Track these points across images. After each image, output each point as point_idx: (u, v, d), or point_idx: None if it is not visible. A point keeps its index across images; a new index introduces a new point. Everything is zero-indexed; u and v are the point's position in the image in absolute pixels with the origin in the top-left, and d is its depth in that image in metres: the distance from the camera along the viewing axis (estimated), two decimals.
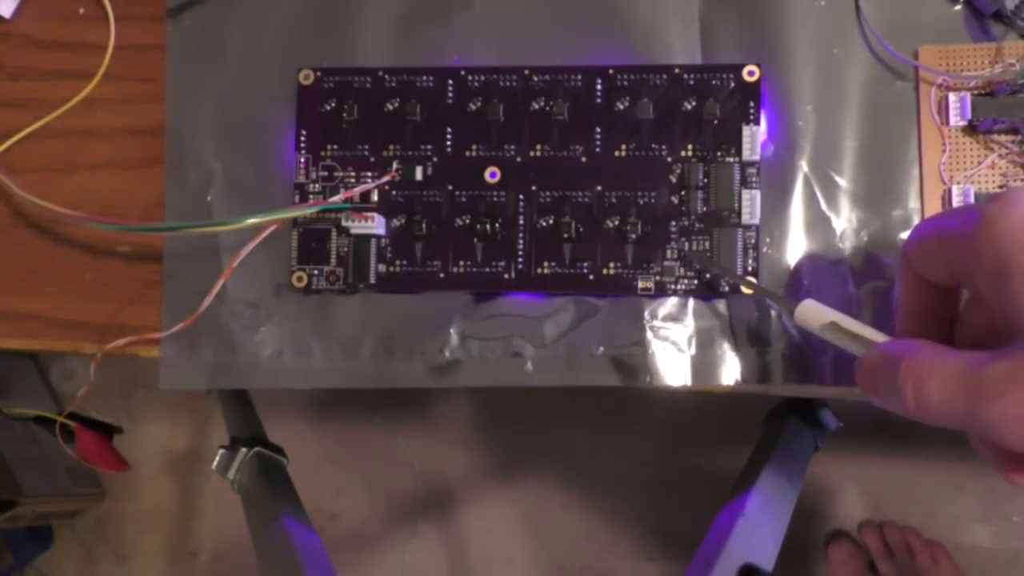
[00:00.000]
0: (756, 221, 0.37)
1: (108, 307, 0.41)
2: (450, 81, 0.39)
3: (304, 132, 0.40)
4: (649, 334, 0.38)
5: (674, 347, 0.38)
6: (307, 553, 0.44)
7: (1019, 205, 0.23)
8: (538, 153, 0.38)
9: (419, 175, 0.39)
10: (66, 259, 0.41)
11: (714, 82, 0.37)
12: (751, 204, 0.37)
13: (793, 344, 0.37)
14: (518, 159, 0.38)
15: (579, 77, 0.38)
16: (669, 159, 0.38)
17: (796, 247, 0.37)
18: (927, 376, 0.24)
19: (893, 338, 0.28)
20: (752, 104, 0.37)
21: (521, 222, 0.38)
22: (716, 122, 0.37)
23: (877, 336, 0.28)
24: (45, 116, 0.42)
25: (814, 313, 0.30)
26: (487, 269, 0.38)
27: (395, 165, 0.39)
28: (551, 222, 0.38)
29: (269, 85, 0.40)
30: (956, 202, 0.36)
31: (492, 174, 0.39)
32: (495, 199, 0.38)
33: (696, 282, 0.37)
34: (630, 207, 0.38)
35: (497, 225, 0.38)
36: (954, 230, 0.25)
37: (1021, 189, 0.24)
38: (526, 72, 0.39)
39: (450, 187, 0.39)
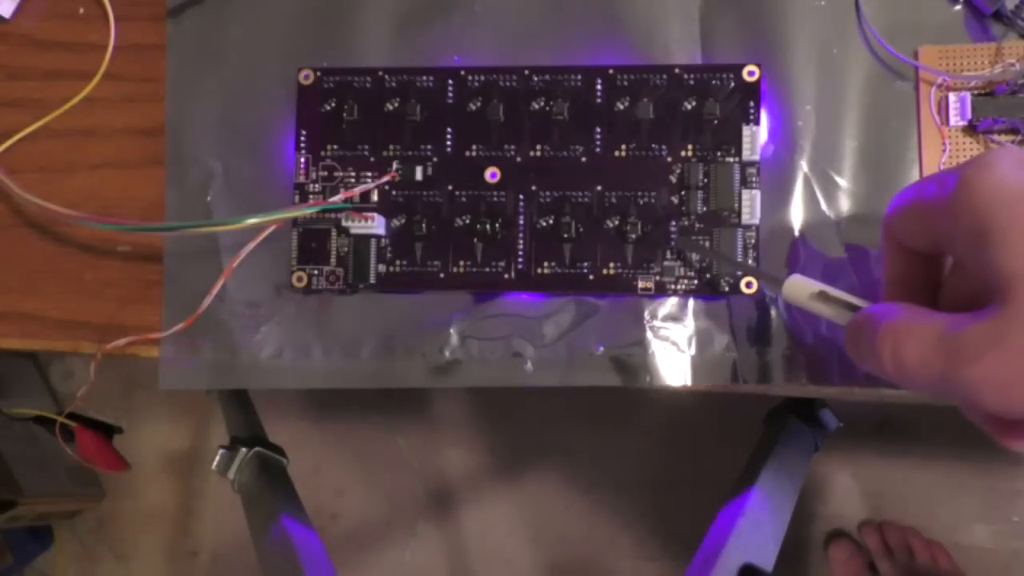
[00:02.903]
0: (756, 221, 0.37)
1: (108, 307, 0.41)
2: (450, 81, 0.39)
3: (304, 132, 0.40)
4: (649, 334, 0.38)
5: (674, 347, 0.38)
6: (307, 553, 0.44)
7: (995, 166, 0.23)
8: (538, 153, 0.38)
9: (419, 175, 0.39)
10: (66, 259, 0.41)
11: (714, 82, 0.37)
12: (751, 204, 0.37)
13: (793, 344, 0.37)
14: (518, 159, 0.38)
15: (579, 77, 0.38)
16: (669, 159, 0.38)
17: (796, 247, 0.37)
18: (904, 338, 0.24)
19: (873, 304, 0.28)
20: (752, 104, 0.37)
21: (521, 222, 0.38)
22: (716, 122, 0.37)
23: (864, 303, 0.28)
24: (45, 116, 0.42)
25: (802, 286, 0.30)
26: (487, 269, 0.38)
27: (395, 165, 0.39)
28: (551, 222, 0.38)
29: (269, 85, 0.40)
30: None
31: (492, 174, 0.39)
32: (495, 199, 0.38)
33: (696, 282, 0.37)
34: (630, 207, 0.38)
35: (497, 225, 0.38)
36: (932, 195, 0.25)
37: (996, 151, 0.24)
38: (526, 72, 0.39)
39: (450, 187, 0.39)
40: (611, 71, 0.38)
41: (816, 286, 0.30)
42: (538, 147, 0.38)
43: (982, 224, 0.23)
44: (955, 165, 0.36)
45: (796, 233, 0.37)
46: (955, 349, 0.22)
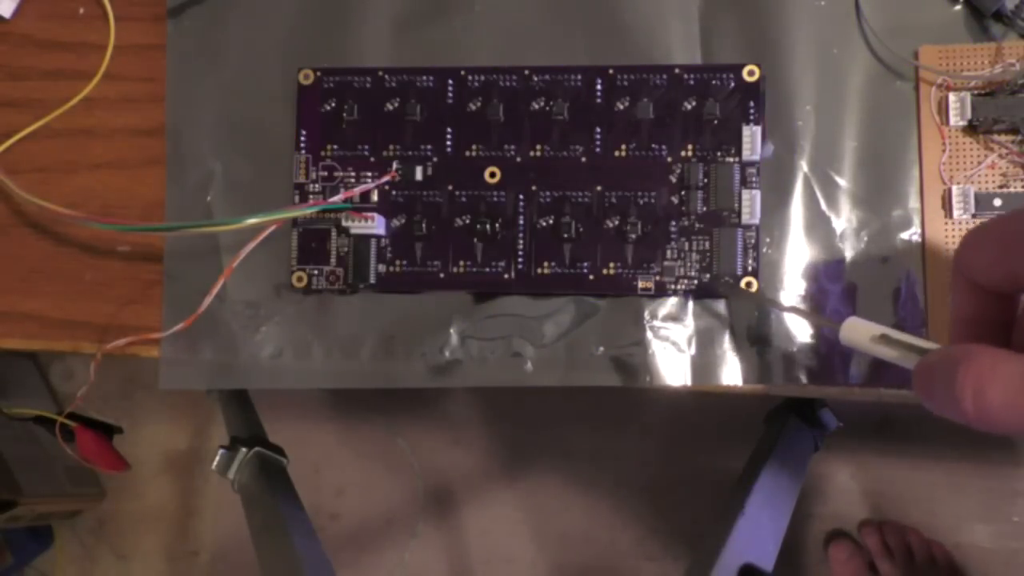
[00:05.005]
0: (756, 221, 0.37)
1: (108, 307, 0.41)
2: (450, 81, 0.39)
3: (304, 132, 0.40)
4: (649, 334, 0.38)
5: (674, 347, 0.38)
6: (307, 553, 0.44)
7: None
8: (538, 153, 0.38)
9: (419, 175, 0.39)
10: (66, 259, 0.41)
11: (714, 82, 0.37)
12: (751, 204, 0.37)
13: (793, 344, 0.37)
14: (518, 159, 0.38)
15: (579, 77, 0.38)
16: (669, 159, 0.38)
17: (796, 247, 0.37)
18: (988, 380, 0.23)
19: (948, 346, 0.27)
20: (752, 104, 0.37)
21: (521, 222, 0.38)
22: (716, 122, 0.37)
23: (931, 345, 0.27)
24: (45, 116, 0.42)
25: (861, 329, 0.28)
26: (487, 269, 0.38)
27: (395, 165, 0.39)
28: (551, 222, 0.38)
29: (269, 85, 0.40)
30: (956, 202, 0.36)
31: (492, 174, 0.39)
32: (495, 199, 0.38)
33: (696, 282, 0.37)
34: (630, 207, 0.38)
35: (497, 225, 0.38)
36: (1015, 231, 0.24)
37: None
38: (526, 72, 0.39)
39: (450, 187, 0.39)
40: (611, 71, 0.38)
41: (877, 329, 0.28)
42: (538, 147, 0.38)
43: None
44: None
45: (796, 233, 0.37)
46: None
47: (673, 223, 0.37)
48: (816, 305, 0.37)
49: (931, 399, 0.25)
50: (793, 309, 0.36)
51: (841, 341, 0.29)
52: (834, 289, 0.37)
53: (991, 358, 0.23)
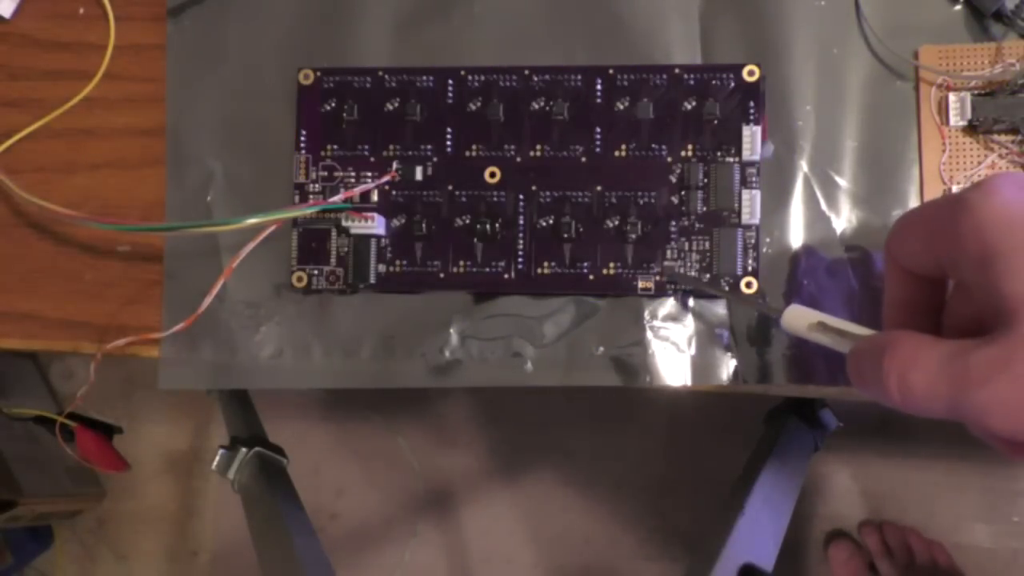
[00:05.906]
0: (756, 221, 0.37)
1: (108, 307, 0.41)
2: (450, 81, 0.39)
3: (304, 132, 0.40)
4: (649, 334, 0.38)
5: (674, 347, 0.38)
6: (307, 553, 0.44)
7: (1000, 191, 0.23)
8: (538, 153, 0.38)
9: (419, 175, 0.39)
10: (66, 259, 0.41)
11: (714, 82, 0.37)
12: (751, 204, 0.37)
13: (793, 344, 0.37)
14: (518, 159, 0.38)
15: (579, 77, 0.38)
16: (669, 159, 0.38)
17: (796, 248, 0.37)
18: (910, 366, 0.24)
19: (877, 333, 0.28)
20: (752, 104, 0.37)
21: (521, 222, 0.38)
22: (716, 122, 0.37)
23: (864, 332, 0.28)
24: (45, 116, 0.42)
25: (800, 316, 0.30)
26: (487, 269, 0.38)
27: (395, 165, 0.39)
28: (551, 222, 0.38)
29: (269, 85, 0.40)
30: None
31: (492, 174, 0.39)
32: (495, 199, 0.38)
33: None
34: (630, 207, 0.38)
35: (497, 225, 0.38)
36: (937, 219, 0.25)
37: (1002, 175, 0.24)
38: (526, 72, 0.39)
39: (450, 187, 0.39)
40: (611, 71, 0.38)
41: (815, 316, 0.30)
42: (538, 147, 0.38)
43: (988, 249, 0.23)
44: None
45: (796, 233, 0.37)
46: (963, 375, 0.22)
47: (673, 223, 0.37)
48: (816, 306, 0.37)
49: (862, 384, 0.26)
50: (733, 295, 0.36)
51: (783, 328, 0.30)
52: (834, 289, 0.37)
53: (914, 344, 0.24)
